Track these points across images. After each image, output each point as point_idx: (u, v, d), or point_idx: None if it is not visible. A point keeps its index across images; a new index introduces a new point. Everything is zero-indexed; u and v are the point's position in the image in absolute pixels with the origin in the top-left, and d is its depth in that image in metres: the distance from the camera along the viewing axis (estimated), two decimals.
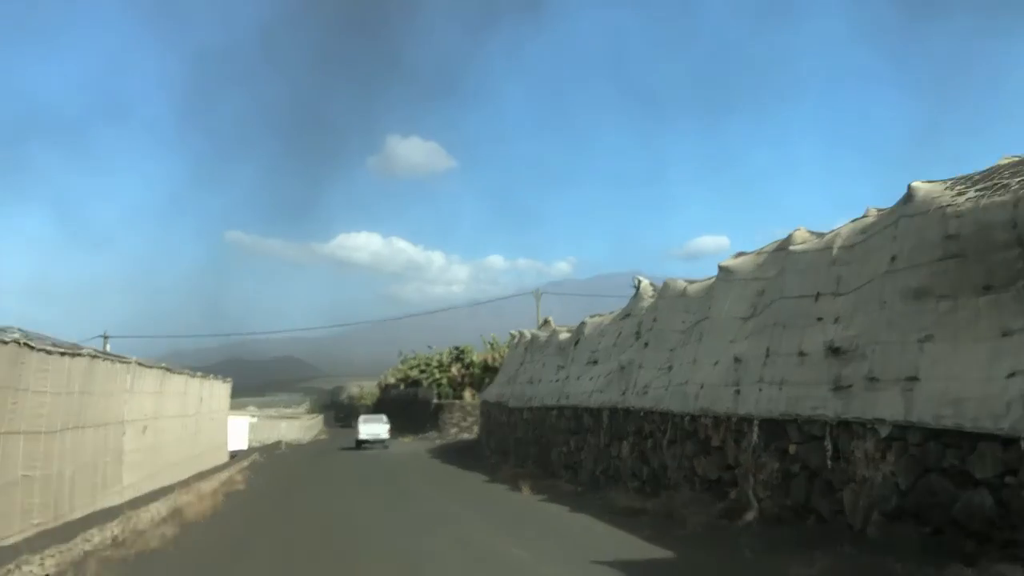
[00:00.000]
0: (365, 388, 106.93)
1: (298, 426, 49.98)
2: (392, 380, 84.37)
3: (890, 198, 10.51)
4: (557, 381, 23.61)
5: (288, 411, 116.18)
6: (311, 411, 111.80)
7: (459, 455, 33.06)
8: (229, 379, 30.14)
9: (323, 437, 61.03)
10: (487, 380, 49.15)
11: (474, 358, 51.80)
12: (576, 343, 22.88)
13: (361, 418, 45.90)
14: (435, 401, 51.00)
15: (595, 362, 21.20)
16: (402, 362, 72.51)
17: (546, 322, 32.76)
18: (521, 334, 31.13)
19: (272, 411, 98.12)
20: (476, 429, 45.75)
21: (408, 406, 62.00)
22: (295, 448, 42.52)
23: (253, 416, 53.97)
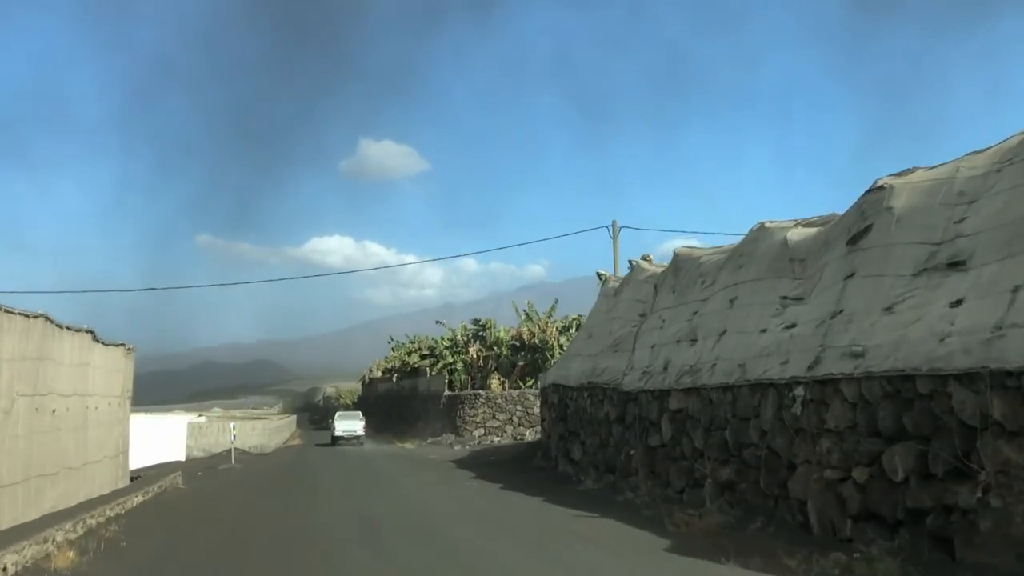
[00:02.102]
0: (342, 388, 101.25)
1: (262, 429, 36.77)
2: (379, 373, 71.20)
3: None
4: (790, 328, 11.02)
5: (258, 412, 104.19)
6: (284, 412, 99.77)
7: (515, 472, 20.48)
8: (129, 345, 17.31)
9: (296, 442, 47.96)
10: (522, 362, 36.53)
11: (500, 334, 38.99)
12: (862, 233, 10.21)
13: (337, 415, 45.80)
14: (447, 393, 38.25)
15: (959, 263, 8.65)
16: (394, 348, 59.56)
17: (644, 259, 20.66)
18: (636, 264, 18.55)
19: (238, 412, 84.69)
20: (512, 430, 33.11)
21: (405, 402, 49.01)
22: (253, 460, 29.57)
23: (200, 415, 40.89)
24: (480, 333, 39.92)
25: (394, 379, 54.55)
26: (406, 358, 48.20)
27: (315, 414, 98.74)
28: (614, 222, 27.66)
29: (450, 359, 40.35)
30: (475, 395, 34.61)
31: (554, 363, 22.78)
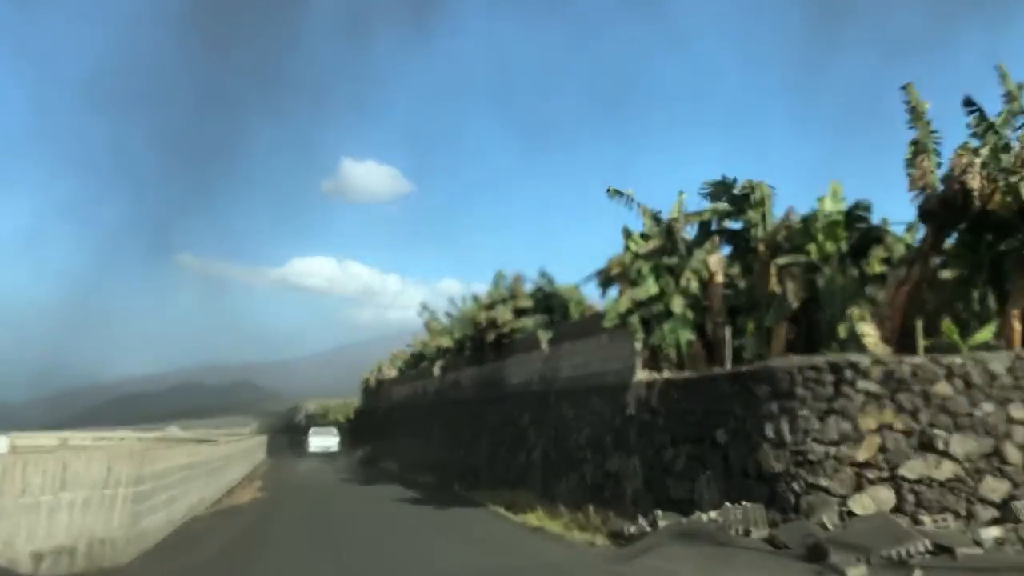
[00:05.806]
0: (329, 404, 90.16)
1: (111, 489, 10.88)
2: (394, 372, 46.21)
3: None
4: None
5: (219, 432, 77.42)
6: (258, 433, 76.13)
7: None
8: None
9: (251, 495, 22.24)
10: (955, 272, 12.08)
11: (824, 207, 13.69)
12: None
13: (311, 431, 48.45)
14: (661, 377, 13.36)
15: None
16: (429, 324, 35.05)
17: None
18: None
19: (181, 434, 56.99)
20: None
21: (471, 411, 24.20)
22: None
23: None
24: (723, 224, 14.42)
25: (436, 370, 29.71)
26: (485, 314, 22.40)
27: (296, 435, 79.70)
28: None
29: (653, 289, 14.35)
30: (850, 369, 9.26)
31: None
